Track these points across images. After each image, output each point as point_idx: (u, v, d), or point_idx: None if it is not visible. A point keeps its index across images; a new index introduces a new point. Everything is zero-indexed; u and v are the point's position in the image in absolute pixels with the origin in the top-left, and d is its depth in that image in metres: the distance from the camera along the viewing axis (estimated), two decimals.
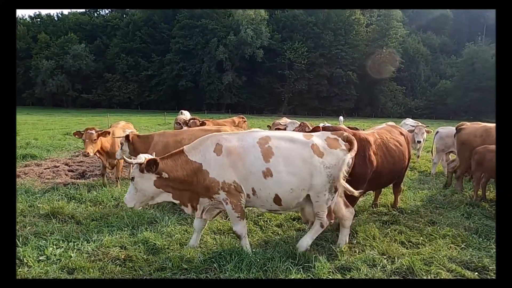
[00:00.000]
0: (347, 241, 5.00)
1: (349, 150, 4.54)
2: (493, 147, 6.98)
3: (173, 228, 5.41)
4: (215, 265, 4.12)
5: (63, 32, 71.04)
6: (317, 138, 4.56)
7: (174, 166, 4.34)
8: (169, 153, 4.56)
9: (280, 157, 4.27)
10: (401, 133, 6.46)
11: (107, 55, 69.73)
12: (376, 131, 6.23)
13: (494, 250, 4.90)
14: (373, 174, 5.45)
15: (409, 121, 12.90)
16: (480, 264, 4.47)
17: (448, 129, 10.19)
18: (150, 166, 4.21)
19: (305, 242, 4.65)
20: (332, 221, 4.76)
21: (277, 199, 4.34)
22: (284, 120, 9.66)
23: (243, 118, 12.51)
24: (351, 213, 5.00)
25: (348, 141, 4.62)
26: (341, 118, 15.63)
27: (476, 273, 4.29)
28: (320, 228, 4.69)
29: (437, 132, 10.34)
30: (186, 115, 15.88)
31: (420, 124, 11.38)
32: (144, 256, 4.52)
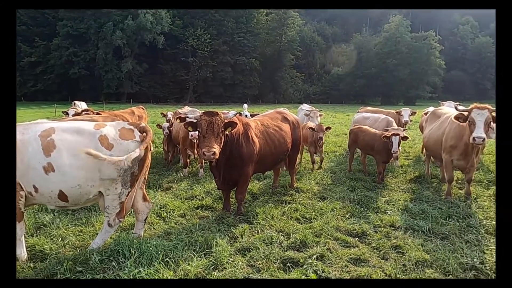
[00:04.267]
0: (142, 235, 4.84)
1: (143, 141, 4.31)
2: (365, 128, 8.69)
3: (65, 231, 5.01)
4: (113, 263, 3.95)
5: None
6: (111, 128, 4.28)
7: None
8: None
9: (64, 151, 3.95)
10: (286, 119, 6.98)
11: None
12: (259, 118, 6.84)
13: (372, 217, 5.68)
14: (258, 156, 5.92)
15: (305, 106, 13.87)
16: (360, 230, 5.16)
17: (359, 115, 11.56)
18: None
19: (95, 244, 4.41)
20: (122, 219, 4.50)
21: (62, 196, 4.04)
22: (185, 109, 9.55)
23: (143, 108, 11.94)
24: (148, 208, 4.86)
25: (144, 131, 4.39)
26: (245, 105, 15.98)
27: (357, 238, 4.93)
28: (109, 228, 4.44)
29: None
30: (81, 106, 14.56)
31: (314, 108, 12.37)
32: (31, 265, 4.12)
